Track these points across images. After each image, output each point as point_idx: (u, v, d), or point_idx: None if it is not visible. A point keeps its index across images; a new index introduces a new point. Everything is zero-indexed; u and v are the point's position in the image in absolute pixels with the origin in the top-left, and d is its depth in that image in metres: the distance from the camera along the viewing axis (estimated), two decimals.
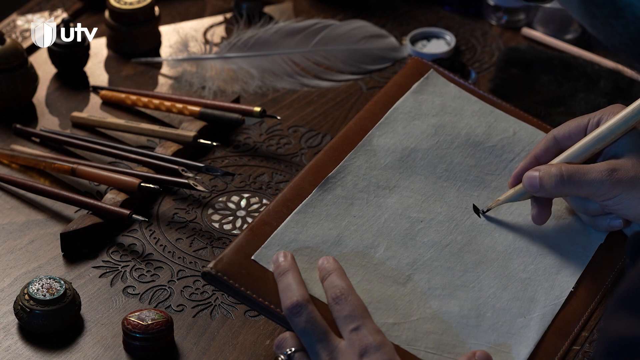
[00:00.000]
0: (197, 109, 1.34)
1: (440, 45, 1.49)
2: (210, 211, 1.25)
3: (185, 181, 1.22)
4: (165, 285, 1.16)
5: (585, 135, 1.13)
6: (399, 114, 1.22)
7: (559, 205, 1.18)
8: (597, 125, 1.12)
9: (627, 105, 1.11)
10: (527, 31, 1.52)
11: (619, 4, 0.80)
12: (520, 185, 1.14)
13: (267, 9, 1.54)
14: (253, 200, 1.27)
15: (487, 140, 1.22)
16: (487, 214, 1.16)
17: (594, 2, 0.81)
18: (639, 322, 0.78)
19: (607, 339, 0.80)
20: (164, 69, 1.45)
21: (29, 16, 1.51)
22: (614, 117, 1.10)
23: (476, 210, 1.16)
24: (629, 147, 1.10)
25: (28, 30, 1.48)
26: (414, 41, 1.49)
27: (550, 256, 1.14)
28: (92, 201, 1.22)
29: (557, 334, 1.09)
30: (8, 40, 1.34)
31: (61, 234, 1.19)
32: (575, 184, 1.10)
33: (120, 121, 1.34)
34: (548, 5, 1.50)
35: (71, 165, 1.26)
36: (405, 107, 1.23)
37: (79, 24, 1.42)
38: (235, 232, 1.23)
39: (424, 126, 1.22)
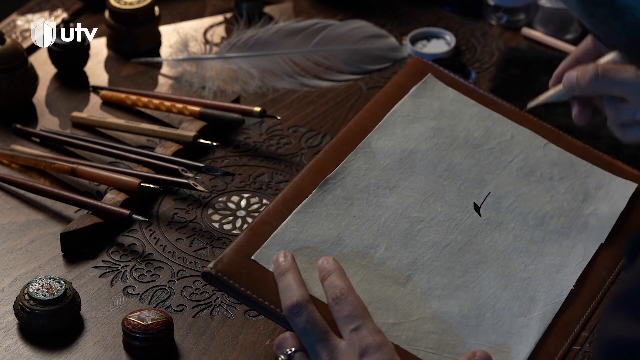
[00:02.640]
0: (197, 109, 1.34)
1: (440, 45, 1.49)
2: (210, 211, 1.25)
3: (185, 181, 1.22)
4: (165, 285, 1.16)
5: None
6: (397, 117, 1.22)
7: (559, 203, 1.18)
8: None
9: None
10: (527, 31, 1.52)
11: (617, 5, 0.80)
12: (560, 85, 1.17)
13: (267, 9, 1.54)
14: (253, 200, 1.27)
15: (486, 143, 1.22)
16: (486, 204, 1.16)
17: (593, 2, 0.82)
18: (636, 323, 0.78)
19: (604, 341, 0.81)
20: (164, 69, 1.45)
21: (29, 16, 1.51)
22: None
23: (477, 209, 1.16)
24: None
25: (28, 30, 1.48)
26: (414, 41, 1.49)
27: (550, 256, 1.14)
28: (92, 201, 1.22)
29: (557, 334, 1.09)
30: (8, 40, 1.34)
31: (61, 234, 1.19)
32: (609, 81, 1.12)
33: (120, 121, 1.34)
34: (548, 5, 1.50)
35: (71, 165, 1.26)
36: (403, 111, 1.23)
37: (79, 24, 1.42)
38: (235, 232, 1.23)
39: (423, 129, 1.22)
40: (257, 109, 1.33)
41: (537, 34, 1.51)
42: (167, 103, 1.35)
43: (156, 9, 1.47)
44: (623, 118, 1.15)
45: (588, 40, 1.16)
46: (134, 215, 1.19)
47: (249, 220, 1.24)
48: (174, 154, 1.28)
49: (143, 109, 1.38)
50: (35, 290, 1.10)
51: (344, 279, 1.04)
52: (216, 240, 1.22)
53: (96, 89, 1.41)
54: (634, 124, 1.15)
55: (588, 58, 1.17)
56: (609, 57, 1.14)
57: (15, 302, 1.11)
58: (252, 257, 1.06)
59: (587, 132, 1.32)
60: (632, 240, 0.85)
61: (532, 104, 1.19)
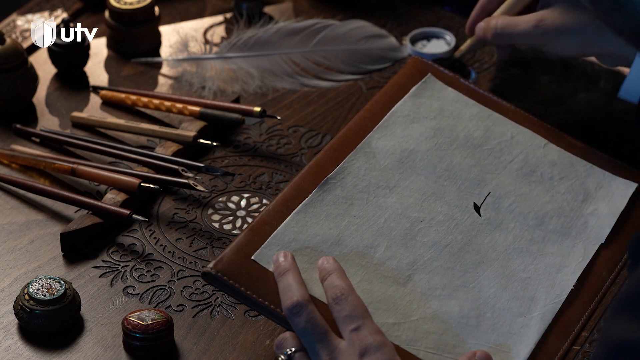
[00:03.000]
0: (197, 109, 1.34)
1: (440, 45, 1.49)
2: (210, 211, 1.25)
3: (185, 181, 1.22)
4: (165, 285, 1.16)
5: None
6: (397, 117, 1.22)
7: (559, 203, 1.18)
8: None
9: None
10: None
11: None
12: (475, 36, 1.32)
13: (267, 9, 1.54)
14: (253, 200, 1.27)
15: (486, 143, 1.22)
16: (486, 205, 1.16)
17: None
18: (638, 326, 0.78)
19: (607, 343, 0.80)
20: (164, 69, 1.45)
21: (29, 16, 1.51)
22: None
23: (477, 209, 1.16)
24: None
25: (28, 30, 1.48)
26: (414, 41, 1.49)
27: (550, 256, 1.14)
28: (92, 201, 1.22)
29: (557, 334, 1.09)
30: (8, 40, 1.34)
31: (61, 234, 1.19)
32: (508, 36, 1.27)
33: (120, 121, 1.34)
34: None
35: (71, 165, 1.26)
36: (403, 111, 1.23)
37: (79, 24, 1.42)
38: (235, 232, 1.23)
39: (423, 129, 1.22)
40: (257, 109, 1.33)
41: None
42: (167, 103, 1.35)
43: (156, 9, 1.47)
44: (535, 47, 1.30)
45: None
46: (134, 215, 1.19)
47: (249, 220, 1.24)
48: (174, 154, 1.28)
49: (143, 109, 1.38)
50: (35, 290, 1.10)
51: (344, 279, 1.04)
52: (216, 240, 1.22)
53: (96, 89, 1.41)
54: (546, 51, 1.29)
55: (491, 6, 1.31)
56: (506, 3, 1.29)
57: (15, 302, 1.11)
58: (252, 257, 1.06)
59: (587, 132, 1.32)
60: (636, 241, 0.85)
61: (458, 54, 1.34)
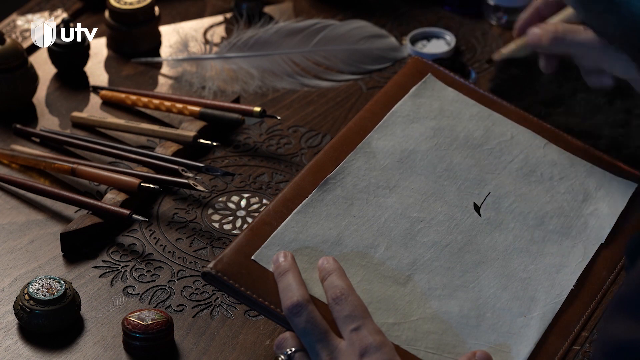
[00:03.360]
0: (197, 109, 1.34)
1: (440, 45, 1.49)
2: (210, 211, 1.25)
3: (185, 181, 1.22)
4: (165, 285, 1.16)
5: None
6: (397, 117, 1.22)
7: (559, 203, 1.18)
8: None
9: None
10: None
11: (614, 0, 0.80)
12: (524, 38, 1.25)
13: (267, 9, 1.54)
14: (253, 200, 1.27)
15: (486, 143, 1.22)
16: (486, 204, 1.16)
17: None
18: (636, 326, 0.78)
19: (605, 342, 0.80)
20: (164, 69, 1.45)
21: (29, 16, 1.51)
22: None
23: (477, 209, 1.16)
24: None
25: (28, 30, 1.48)
26: (414, 41, 1.49)
27: (550, 256, 1.14)
28: (92, 201, 1.22)
29: (557, 334, 1.09)
30: (8, 40, 1.34)
31: (61, 234, 1.19)
32: (568, 44, 1.21)
33: (120, 121, 1.34)
34: None
35: (71, 165, 1.26)
36: (403, 111, 1.23)
37: (79, 24, 1.42)
38: (235, 232, 1.23)
39: (423, 129, 1.22)
40: (257, 109, 1.33)
41: None
42: (167, 103, 1.35)
43: (156, 9, 1.47)
44: (585, 66, 1.22)
45: None
46: (134, 215, 1.19)
47: (249, 220, 1.24)
48: (174, 154, 1.28)
49: (143, 109, 1.38)
50: (35, 290, 1.10)
51: (344, 279, 1.04)
52: (216, 240, 1.22)
53: (96, 89, 1.41)
54: (597, 72, 1.22)
55: (548, 10, 1.24)
56: (565, 12, 1.21)
57: (15, 302, 1.11)
58: (252, 257, 1.06)
59: (587, 132, 1.32)
60: (633, 241, 0.85)
61: (498, 56, 1.27)
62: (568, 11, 1.24)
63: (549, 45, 1.23)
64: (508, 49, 1.29)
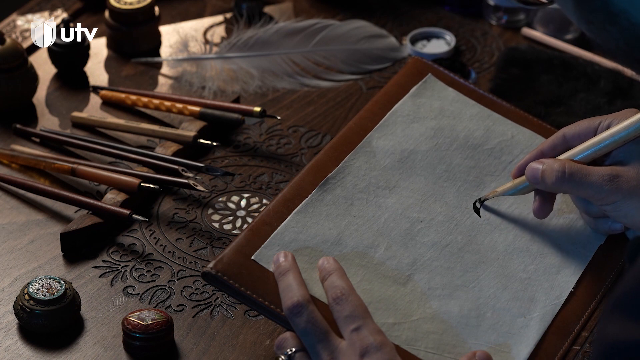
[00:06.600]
0: (197, 109, 1.34)
1: (440, 45, 1.49)
2: (210, 211, 1.25)
3: (185, 181, 1.22)
4: (165, 285, 1.16)
5: (594, 136, 1.12)
6: (397, 117, 1.22)
7: (559, 204, 1.18)
8: (608, 127, 1.10)
9: None
10: (527, 31, 1.52)
11: (612, 10, 0.80)
12: (522, 177, 1.13)
13: (267, 9, 1.54)
14: (253, 200, 1.27)
15: (486, 143, 1.22)
16: (485, 205, 1.16)
17: (588, 8, 0.81)
18: (634, 325, 0.78)
19: (603, 342, 0.80)
20: (164, 69, 1.45)
21: (29, 16, 1.51)
22: (625, 121, 1.09)
23: (476, 209, 1.16)
24: (636, 154, 1.09)
25: (28, 30, 1.48)
26: (414, 41, 1.49)
27: (550, 256, 1.14)
28: (92, 201, 1.22)
29: (557, 334, 1.09)
30: (8, 40, 1.34)
31: (61, 234, 1.19)
32: (575, 183, 1.09)
33: (120, 121, 1.34)
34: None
35: (71, 165, 1.26)
36: (404, 110, 1.23)
37: (79, 24, 1.42)
38: (235, 232, 1.23)
39: (423, 129, 1.22)
40: (257, 109, 1.33)
41: (537, 34, 1.51)
42: (167, 103, 1.35)
43: (156, 9, 1.47)
44: (592, 212, 1.14)
45: (557, 135, 1.14)
46: (134, 215, 1.19)
47: (249, 220, 1.24)
48: (174, 154, 1.28)
49: (143, 109, 1.38)
50: (35, 290, 1.10)
51: (345, 279, 1.04)
52: (216, 240, 1.22)
53: (96, 89, 1.41)
54: (604, 218, 1.14)
55: (553, 153, 1.13)
56: (574, 151, 1.12)
57: (15, 302, 1.11)
58: (252, 257, 1.06)
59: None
60: (632, 243, 0.85)
61: (489, 195, 1.15)
62: (574, 151, 1.12)
63: (553, 184, 1.11)
64: (502, 188, 1.16)
